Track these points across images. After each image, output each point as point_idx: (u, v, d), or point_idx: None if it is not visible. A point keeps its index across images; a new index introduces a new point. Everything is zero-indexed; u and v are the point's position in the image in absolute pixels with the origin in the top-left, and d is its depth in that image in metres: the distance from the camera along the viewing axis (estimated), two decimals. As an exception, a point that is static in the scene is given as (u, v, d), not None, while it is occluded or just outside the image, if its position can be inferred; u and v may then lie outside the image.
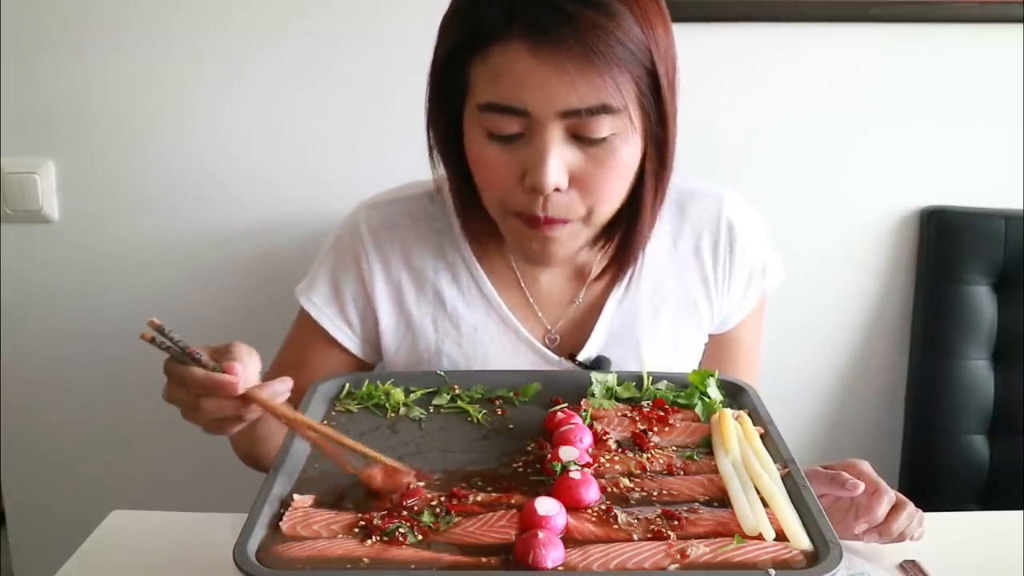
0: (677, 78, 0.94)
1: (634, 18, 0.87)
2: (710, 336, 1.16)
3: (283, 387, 0.83)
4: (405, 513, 0.73)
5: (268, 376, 0.86)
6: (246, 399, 0.81)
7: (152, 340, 0.80)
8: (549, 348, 1.09)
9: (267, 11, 1.44)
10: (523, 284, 1.10)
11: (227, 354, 0.83)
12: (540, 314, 1.10)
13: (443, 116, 0.96)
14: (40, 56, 1.45)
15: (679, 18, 1.43)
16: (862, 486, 0.90)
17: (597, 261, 1.08)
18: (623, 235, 1.01)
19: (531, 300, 1.09)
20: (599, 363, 1.07)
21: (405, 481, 0.77)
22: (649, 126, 0.92)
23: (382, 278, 1.09)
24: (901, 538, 0.94)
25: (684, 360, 1.13)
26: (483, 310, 1.08)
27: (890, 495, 0.93)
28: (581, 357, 1.08)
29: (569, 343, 1.10)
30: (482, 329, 1.08)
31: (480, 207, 1.00)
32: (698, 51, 1.47)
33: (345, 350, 1.12)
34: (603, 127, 0.88)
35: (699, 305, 1.11)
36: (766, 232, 1.16)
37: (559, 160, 0.89)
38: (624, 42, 0.86)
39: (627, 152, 0.91)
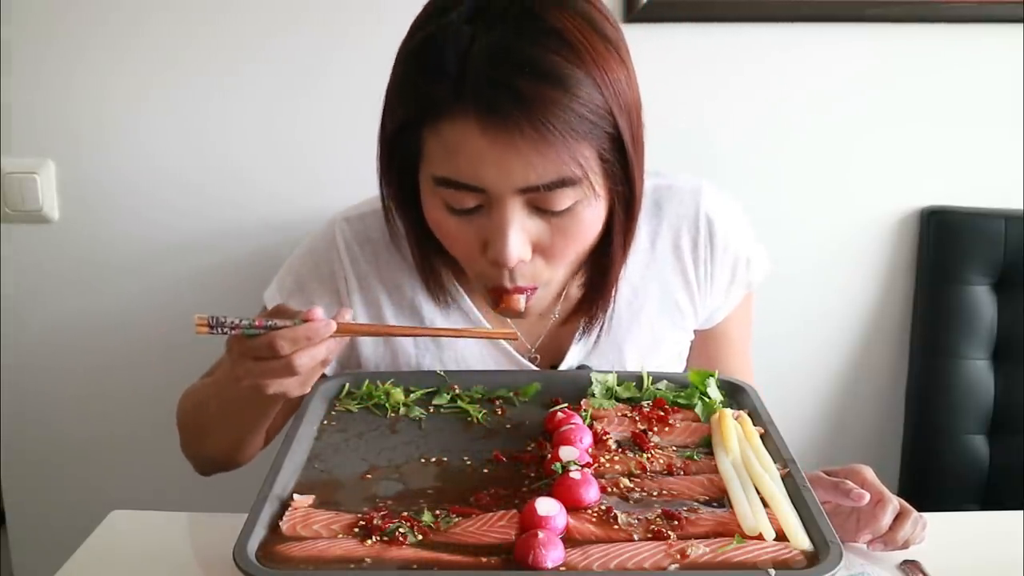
0: (642, 127, 0.90)
1: (592, 80, 0.82)
2: (697, 332, 1.14)
3: (349, 313, 0.89)
4: (405, 513, 0.73)
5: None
6: (340, 333, 0.85)
7: (211, 330, 0.83)
8: (529, 360, 1.08)
9: (266, 12, 1.44)
10: None
11: (278, 314, 0.85)
12: (517, 328, 1.07)
13: (398, 175, 0.93)
14: (40, 56, 1.45)
15: (679, 18, 1.46)
16: (867, 496, 0.88)
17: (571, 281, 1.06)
18: (593, 274, 0.99)
19: None
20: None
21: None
22: (614, 186, 0.89)
23: (360, 296, 1.06)
24: (906, 546, 0.93)
25: (666, 361, 1.11)
26: (462, 324, 1.05)
27: (894, 504, 0.91)
28: (562, 368, 1.07)
29: (549, 355, 1.09)
30: (461, 343, 1.06)
31: (442, 253, 0.97)
32: (697, 51, 1.47)
33: None
34: (564, 199, 0.85)
35: (681, 305, 1.09)
36: (747, 223, 1.12)
37: (520, 233, 0.86)
38: (582, 113, 0.81)
39: (591, 216, 0.89)
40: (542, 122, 0.80)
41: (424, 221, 0.93)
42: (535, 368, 1.08)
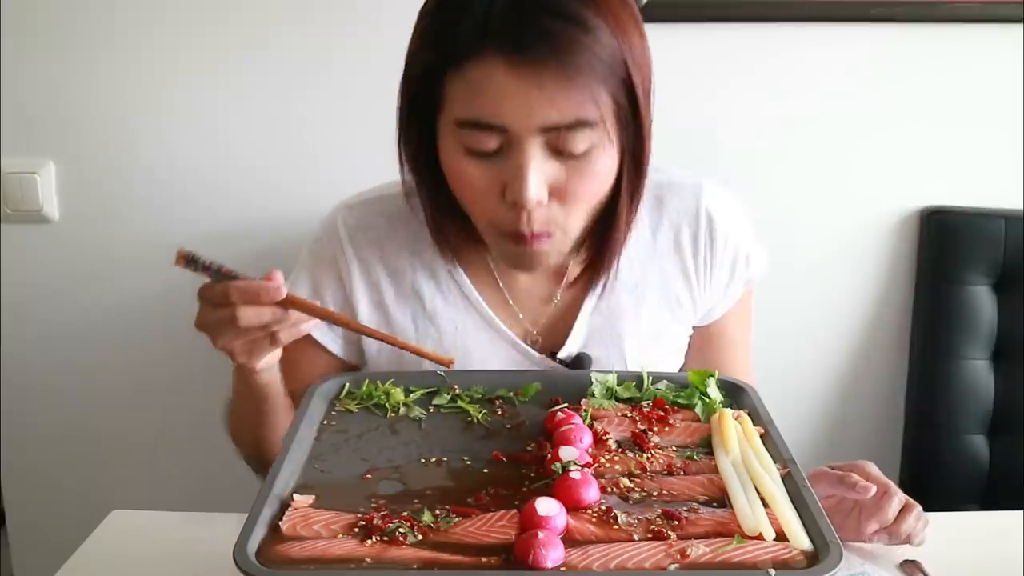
0: (652, 86, 0.94)
1: (610, 30, 0.86)
2: (696, 328, 1.15)
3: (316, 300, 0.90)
4: (405, 513, 0.73)
5: None
6: (286, 304, 0.85)
7: (187, 265, 0.84)
8: (530, 346, 1.09)
9: (266, 12, 1.44)
10: (501, 283, 1.09)
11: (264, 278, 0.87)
12: (519, 312, 1.10)
13: (416, 128, 0.96)
14: (40, 56, 1.46)
15: (679, 18, 1.45)
16: (873, 488, 0.89)
17: (573, 261, 1.08)
18: (599, 241, 1.01)
19: (509, 299, 1.09)
20: (580, 360, 1.07)
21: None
22: (625, 136, 0.91)
23: (361, 280, 1.09)
24: (908, 540, 0.93)
25: (666, 353, 1.13)
26: (463, 308, 1.08)
27: (900, 496, 0.93)
28: (561, 355, 1.08)
29: (549, 341, 1.10)
30: (462, 327, 1.08)
31: (453, 213, 1.00)
32: (698, 51, 1.47)
33: (329, 352, 1.12)
34: (582, 141, 0.88)
35: (681, 299, 1.11)
36: (748, 221, 1.14)
37: (539, 175, 0.88)
38: (601, 56, 0.85)
39: (605, 163, 0.91)
40: (566, 60, 0.83)
41: (439, 183, 0.96)
42: (536, 353, 1.08)
